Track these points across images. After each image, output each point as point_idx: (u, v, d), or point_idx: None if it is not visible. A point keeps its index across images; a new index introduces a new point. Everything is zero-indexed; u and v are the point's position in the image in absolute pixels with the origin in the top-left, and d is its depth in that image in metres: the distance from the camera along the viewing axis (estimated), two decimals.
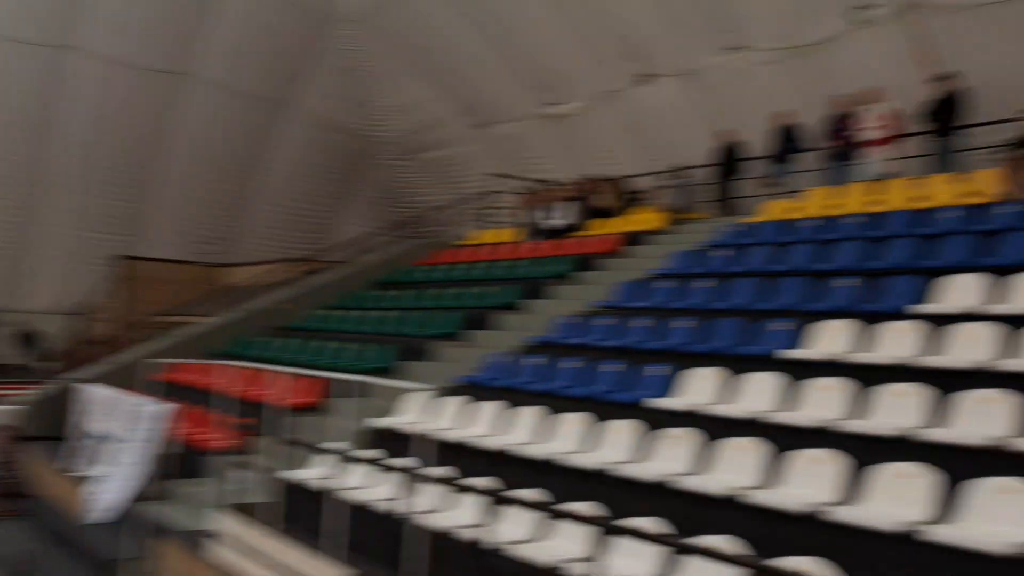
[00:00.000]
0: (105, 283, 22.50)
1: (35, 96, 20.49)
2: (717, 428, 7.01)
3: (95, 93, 20.80)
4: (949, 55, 12.87)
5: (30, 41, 19.59)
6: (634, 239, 13.89)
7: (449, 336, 12.61)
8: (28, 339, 22.76)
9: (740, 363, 7.94)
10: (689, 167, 15.08)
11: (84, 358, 18.02)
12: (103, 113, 21.13)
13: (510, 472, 7.86)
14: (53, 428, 14.39)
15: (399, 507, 7.42)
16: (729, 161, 14.51)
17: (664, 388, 8.14)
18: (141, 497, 10.28)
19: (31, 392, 15.43)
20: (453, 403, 9.56)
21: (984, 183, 10.23)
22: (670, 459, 6.94)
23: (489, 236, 17.52)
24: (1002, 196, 9.47)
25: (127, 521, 10.12)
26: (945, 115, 11.45)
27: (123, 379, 14.10)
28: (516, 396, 9.19)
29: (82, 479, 11.65)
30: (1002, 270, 7.80)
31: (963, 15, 12.68)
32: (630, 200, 16.18)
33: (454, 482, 7.51)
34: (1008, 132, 10.49)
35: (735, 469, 6.40)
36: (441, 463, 8.02)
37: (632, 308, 10.59)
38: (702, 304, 9.76)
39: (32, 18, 19.49)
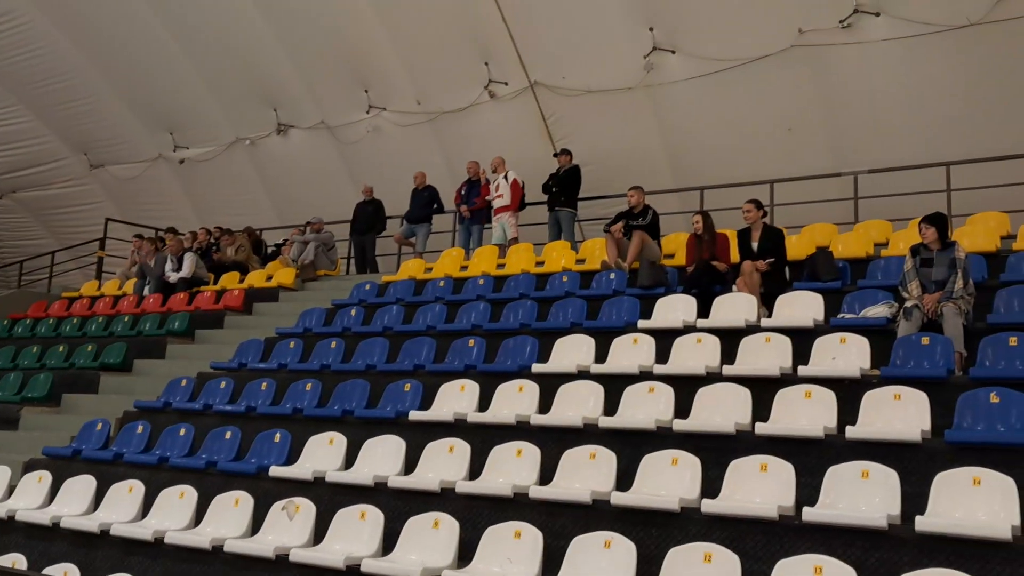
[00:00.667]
0: None
1: None
2: (339, 495, 6.78)
3: None
4: (570, 134, 14.20)
5: None
6: (264, 295, 13.38)
7: (43, 400, 11.11)
8: None
9: (367, 426, 7.80)
10: (326, 223, 14.93)
11: None
12: None
13: (103, 555, 7.02)
14: None
15: None
16: (369, 218, 14.55)
17: (286, 455, 7.77)
18: None
19: None
20: (39, 479, 8.38)
21: (593, 252, 11.20)
22: (288, 531, 6.56)
23: (102, 287, 15.94)
24: (606, 265, 10.40)
25: None
26: (564, 187, 12.47)
27: None
28: (116, 468, 8.28)
29: None
30: (605, 333, 8.49)
31: (579, 100, 14.02)
32: (262, 254, 15.64)
33: (41, 569, 6.53)
34: (612, 207, 11.67)
35: (354, 537, 6.18)
36: (21, 549, 6.96)
37: (255, 369, 10.06)
38: (329, 365, 9.54)
39: None
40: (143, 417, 9.39)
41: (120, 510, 7.60)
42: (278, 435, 7.97)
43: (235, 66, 16.65)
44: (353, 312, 11.15)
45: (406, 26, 14.74)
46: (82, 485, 8.08)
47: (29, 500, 8.14)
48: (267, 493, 7.09)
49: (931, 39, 11.29)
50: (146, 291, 14.48)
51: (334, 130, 16.79)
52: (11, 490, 8.47)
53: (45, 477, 8.34)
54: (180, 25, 16.47)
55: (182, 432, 8.65)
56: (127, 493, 7.76)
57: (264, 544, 6.33)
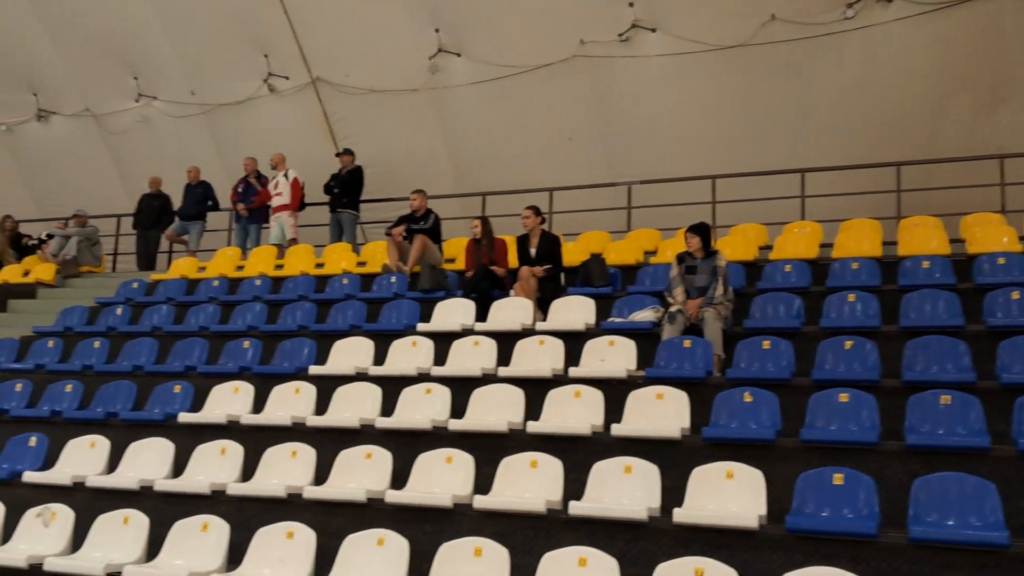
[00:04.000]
0: None
1: None
2: (101, 501, 6.45)
3: None
4: (353, 134, 14.05)
5: None
6: (19, 292, 12.38)
7: None
8: None
9: (133, 429, 7.45)
10: (91, 216, 13.99)
11: None
12: None
13: None
14: None
15: None
16: (156, 213, 13.75)
17: (42, 460, 7.29)
18: None
19: None
20: None
21: (374, 255, 11.20)
22: (43, 539, 6.16)
23: None
24: (387, 268, 10.44)
25: None
26: (345, 188, 12.36)
27: None
28: None
29: None
30: (384, 335, 8.54)
31: (361, 98, 13.93)
32: (18, 247, 14.44)
33: None
34: (394, 210, 11.70)
35: (116, 544, 5.90)
36: None
37: (8, 370, 9.31)
38: (92, 366, 8.99)
39: None
40: None
41: None
42: (33, 439, 7.47)
43: None
44: (119, 311, 10.56)
45: (179, 11, 14.05)
46: None
47: None
48: (21, 500, 6.63)
49: (701, 58, 12.03)
50: None
51: (100, 118, 15.77)
52: None
53: None
54: None
55: None
56: None
57: (16, 553, 5.92)
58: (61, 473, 6.93)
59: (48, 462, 7.29)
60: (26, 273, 12.97)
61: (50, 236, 13.90)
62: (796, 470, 5.39)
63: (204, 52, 14.46)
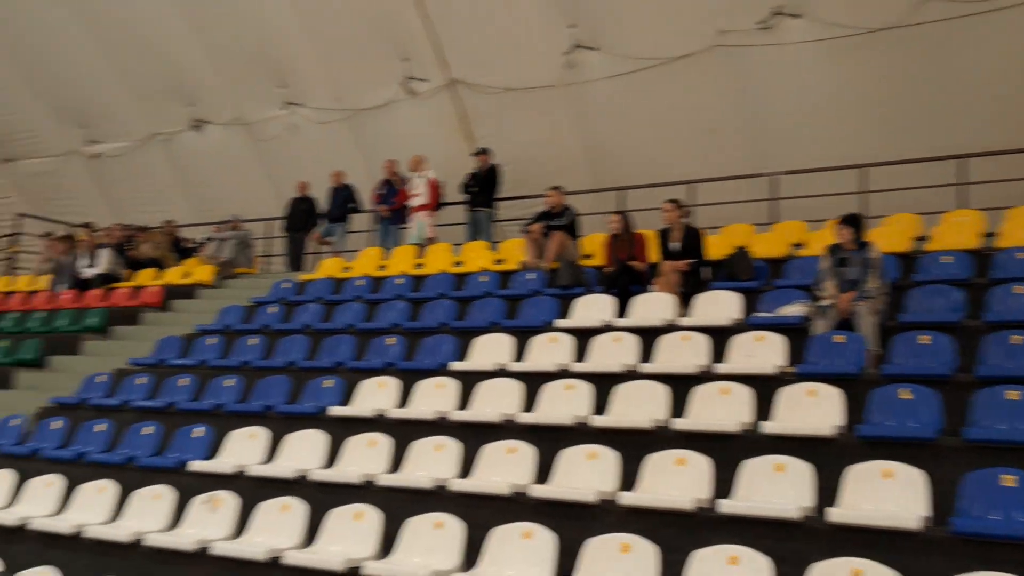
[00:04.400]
0: None
1: None
2: (261, 489, 6.77)
3: None
4: (489, 133, 14.23)
5: None
6: (181, 292, 13.15)
7: None
8: None
9: (288, 422, 7.79)
10: (245, 220, 14.73)
11: None
12: None
13: (26, 548, 6.93)
14: None
15: None
16: (304, 216, 14.32)
17: (207, 450, 7.71)
18: None
19: None
20: None
21: (512, 252, 11.32)
22: (210, 524, 6.54)
23: (13, 284, 15.45)
24: (525, 265, 10.53)
25: None
26: (483, 187, 12.56)
27: None
28: (31, 464, 8.14)
29: None
30: (524, 331, 8.61)
31: (498, 97, 14.09)
32: (178, 250, 15.36)
33: None
34: (532, 207, 11.78)
35: (277, 530, 6.20)
36: None
37: (175, 366, 9.92)
38: (250, 361, 9.46)
39: None
40: (60, 413, 9.25)
41: (39, 504, 7.50)
42: (199, 430, 7.90)
43: (149, 60, 16.35)
44: (273, 310, 11.06)
45: (323, 22, 14.63)
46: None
47: None
48: (188, 488, 7.05)
49: (849, 42, 11.52)
50: (61, 287, 14.08)
51: (250, 127, 16.57)
52: None
53: None
54: (93, 18, 16.11)
55: (100, 428, 8.51)
56: (46, 488, 7.67)
57: (185, 537, 6.29)
58: (224, 462, 7.31)
59: (213, 452, 7.70)
60: (187, 275, 13.77)
61: (208, 240, 14.73)
62: (958, 471, 5.11)
63: (346, 59, 14.98)
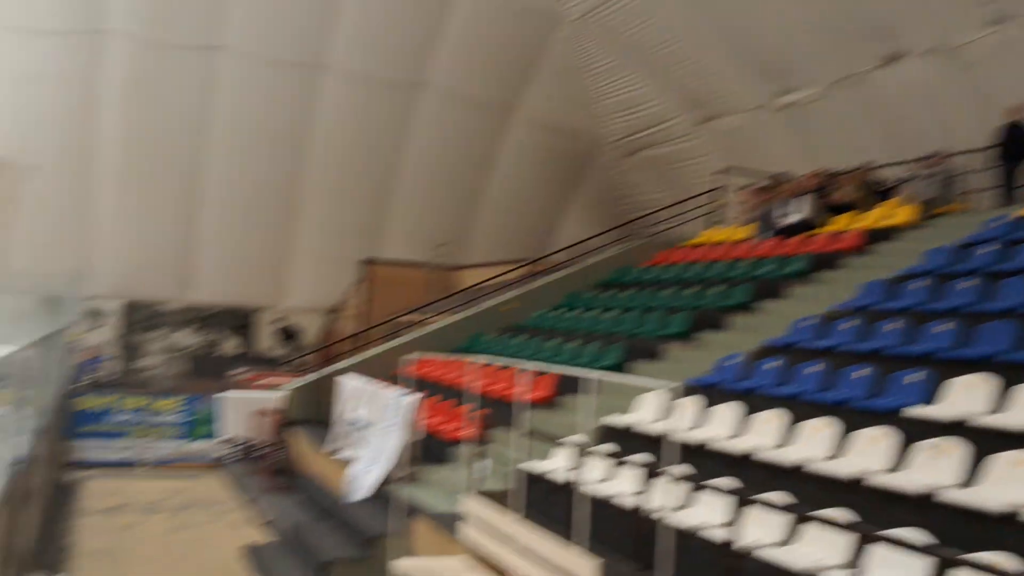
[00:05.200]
0: (351, 284, 24.16)
1: (292, 115, 22.35)
2: (987, 440, 6.52)
3: (341, 110, 22.42)
4: None
5: (287, 62, 21.42)
6: (880, 235, 13.12)
7: (680, 337, 12.49)
8: (288, 334, 24.91)
9: (1012, 370, 7.33)
10: (947, 154, 13.96)
11: (336, 352, 19.46)
12: (348, 128, 22.74)
13: (751, 475, 7.71)
14: (313, 413, 15.73)
15: (642, 503, 7.50)
16: (1012, 143, 13.07)
17: (924, 396, 7.66)
18: (394, 479, 11.00)
19: (293, 381, 16.86)
20: (688, 404, 9.48)
21: None
22: (933, 470, 6.54)
23: (718, 234, 17.17)
24: None
25: (384, 500, 10.85)
26: None
27: (372, 371, 15.12)
28: (753, 400, 8.96)
29: (342, 460, 12.65)
30: None
31: None
32: (875, 193, 15.29)
33: (698, 482, 7.48)
34: None
35: (1013, 484, 5.92)
36: (679, 463, 7.99)
37: (882, 310, 10.01)
38: (965, 306, 9.06)
39: (288, 40, 21.31)
40: (772, 354, 10.00)
41: (762, 437, 8.28)
42: (915, 375, 7.88)
43: (842, 2, 16.37)
44: (986, 250, 10.38)
45: None
46: (727, 412, 8.96)
47: (681, 423, 9.27)
48: (907, 432, 7.09)
49: None
50: (763, 236, 15.19)
51: (951, 52, 15.49)
52: (661, 413, 9.74)
53: (694, 403, 9.41)
54: None
55: (813, 369, 9.03)
56: (766, 423, 8.42)
57: (909, 481, 6.39)
58: (945, 409, 7.18)
59: (930, 398, 7.60)
60: (886, 217, 13.66)
61: (908, 178, 14.30)
62: None
63: None
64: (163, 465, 16.54)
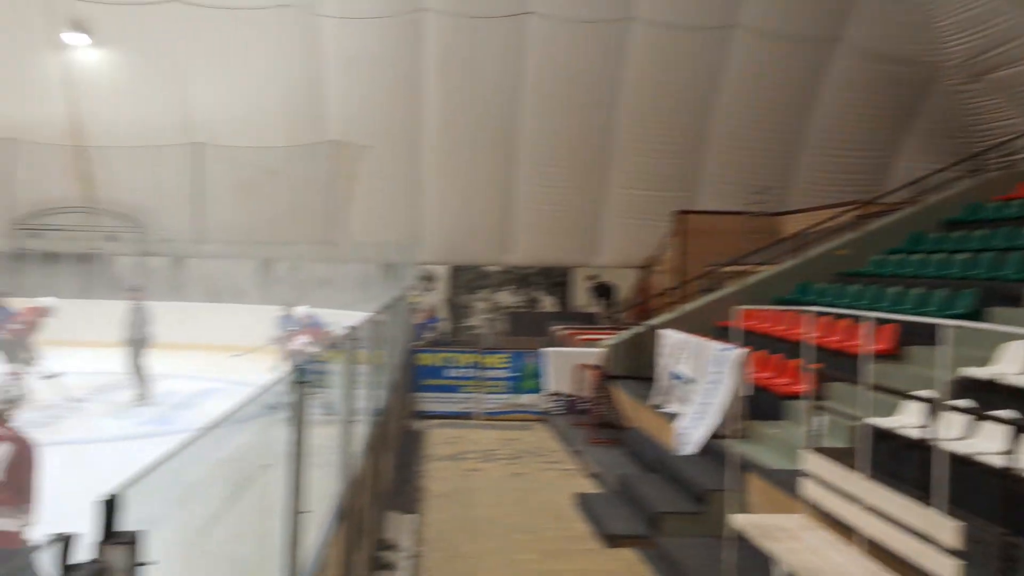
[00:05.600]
0: (664, 238, 24.00)
1: (600, 71, 22.49)
2: None
3: (652, 60, 22.18)
4: None
5: (594, 18, 21.55)
6: None
7: None
8: (602, 290, 25.35)
9: None
10: None
11: (652, 307, 19.46)
12: (657, 78, 22.47)
13: None
14: (633, 368, 15.84)
15: (1011, 462, 6.68)
16: None
17: None
18: (723, 435, 10.76)
19: (611, 337, 17.08)
20: None
21: None
22: None
23: None
24: None
25: (713, 455, 10.66)
26: None
27: (690, 325, 14.89)
28: None
29: (668, 415, 12.61)
30: None
31: None
32: None
33: None
34: None
35: None
36: None
37: None
38: None
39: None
40: None
41: None
42: None
43: None
44: None
45: None
46: None
47: None
48: None
49: None
50: None
51: None
52: None
53: None
54: None
55: None
56: None
57: None
58: None
59: None
60: None
61: None
62: None
63: None
64: (494, 416, 17.47)
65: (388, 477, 10.74)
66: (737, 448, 10.02)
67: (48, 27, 22.50)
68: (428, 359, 18.04)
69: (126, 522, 1.76)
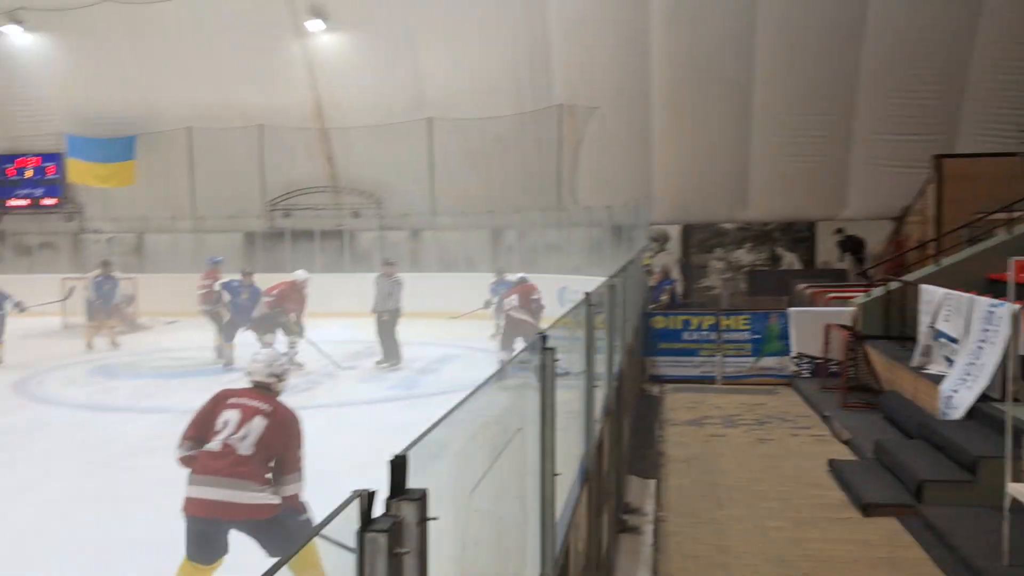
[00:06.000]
0: (922, 186, 22.19)
1: (840, 10, 21.05)
2: None
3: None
4: None
5: None
6: None
7: None
8: (850, 245, 23.88)
9: None
10: None
11: (905, 261, 18.06)
12: (907, 9, 20.75)
13: None
14: (886, 327, 14.78)
15: None
16: None
17: None
18: (996, 398, 9.81)
19: (860, 295, 16.01)
20: None
21: None
22: None
23: None
24: None
25: (984, 420, 9.75)
26: None
27: (952, 280, 13.63)
28: None
29: (931, 377, 11.67)
30: None
31: None
32: None
33: None
34: None
35: None
36: None
37: None
38: None
39: None
40: None
41: None
42: None
43: None
44: None
45: None
46: None
47: None
48: None
49: None
50: None
51: None
52: None
53: None
54: None
55: None
56: None
57: None
58: None
59: None
60: None
61: None
62: None
63: None
64: (735, 380, 16.94)
65: (627, 442, 10.66)
66: (1013, 412, 9.06)
67: (291, 16, 24.10)
68: (664, 322, 17.74)
69: (412, 480, 1.82)
